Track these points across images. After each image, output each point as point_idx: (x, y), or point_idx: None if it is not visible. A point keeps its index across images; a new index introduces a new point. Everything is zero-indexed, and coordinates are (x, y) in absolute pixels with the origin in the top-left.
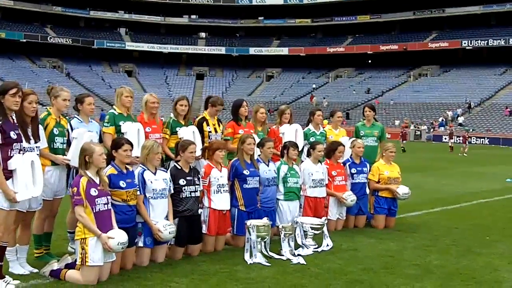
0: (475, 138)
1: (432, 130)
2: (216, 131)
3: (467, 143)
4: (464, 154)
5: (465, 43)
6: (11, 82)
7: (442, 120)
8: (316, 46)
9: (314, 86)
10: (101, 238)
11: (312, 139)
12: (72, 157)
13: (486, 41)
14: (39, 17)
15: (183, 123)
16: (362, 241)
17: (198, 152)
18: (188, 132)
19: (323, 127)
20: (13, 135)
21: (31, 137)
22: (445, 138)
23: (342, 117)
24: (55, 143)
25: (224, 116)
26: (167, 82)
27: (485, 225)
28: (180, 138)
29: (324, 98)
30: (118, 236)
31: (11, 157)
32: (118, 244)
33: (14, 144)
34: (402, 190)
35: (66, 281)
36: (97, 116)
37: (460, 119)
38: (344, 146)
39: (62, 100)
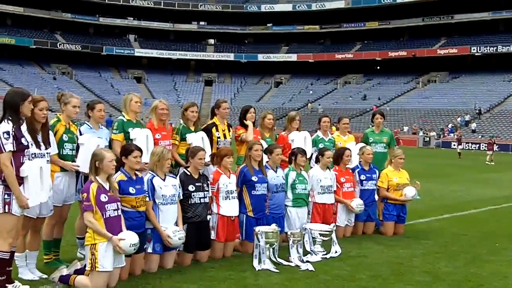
0: (483, 144)
1: (443, 136)
2: (225, 137)
3: (493, 150)
4: (491, 163)
5: (474, 50)
6: (23, 89)
7: (452, 127)
8: (325, 52)
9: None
10: (112, 241)
11: (320, 146)
12: (81, 163)
13: (495, 48)
14: (49, 23)
15: (192, 129)
16: (371, 248)
17: (207, 158)
18: (197, 138)
19: (332, 134)
20: (24, 141)
21: (42, 143)
22: (454, 145)
23: (348, 123)
24: (64, 149)
25: (233, 122)
26: (176, 88)
27: (494, 232)
28: (189, 144)
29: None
30: (129, 237)
31: (23, 163)
32: (130, 246)
33: (26, 150)
34: (410, 192)
35: (75, 286)
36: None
37: (473, 126)
38: (350, 150)
39: (72, 106)
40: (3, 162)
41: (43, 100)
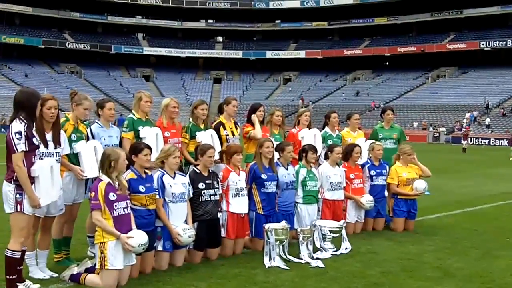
0: (494, 139)
1: (458, 130)
2: (233, 134)
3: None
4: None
5: (483, 44)
6: (33, 89)
7: (467, 122)
8: (333, 48)
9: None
10: (120, 239)
11: (329, 142)
12: (86, 169)
13: (504, 42)
14: (57, 23)
15: (202, 127)
16: (381, 244)
17: (217, 156)
18: (206, 136)
19: (338, 130)
20: (35, 141)
21: (51, 142)
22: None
23: (359, 119)
24: (73, 148)
25: (241, 119)
26: (185, 86)
27: (505, 227)
28: (199, 142)
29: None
30: (137, 236)
31: (34, 163)
32: (139, 246)
33: (36, 150)
34: (420, 184)
35: (85, 285)
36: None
37: (487, 120)
38: (360, 146)
39: (83, 109)
40: (16, 162)
41: (51, 99)
